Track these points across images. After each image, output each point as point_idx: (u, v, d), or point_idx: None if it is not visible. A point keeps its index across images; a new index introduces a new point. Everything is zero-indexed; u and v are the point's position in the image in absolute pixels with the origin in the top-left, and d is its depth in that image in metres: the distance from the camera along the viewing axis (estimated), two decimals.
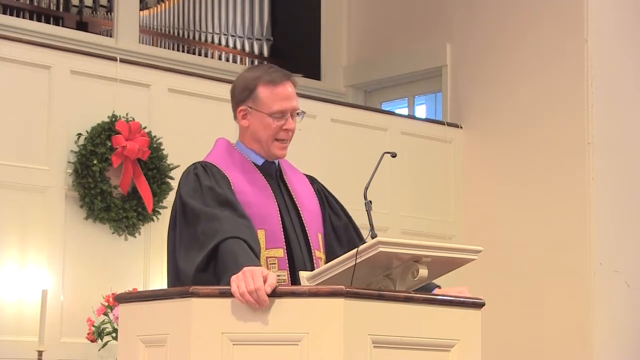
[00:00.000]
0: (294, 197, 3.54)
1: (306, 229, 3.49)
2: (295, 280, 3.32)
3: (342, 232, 3.63)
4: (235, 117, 3.55)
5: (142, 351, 3.09)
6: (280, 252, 3.38)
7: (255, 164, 3.51)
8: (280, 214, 3.44)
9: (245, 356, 2.91)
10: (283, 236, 3.40)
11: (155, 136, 6.40)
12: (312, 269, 3.41)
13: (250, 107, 3.47)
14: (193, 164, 3.45)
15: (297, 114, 3.52)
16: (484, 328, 3.26)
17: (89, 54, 6.56)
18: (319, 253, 3.50)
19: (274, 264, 3.35)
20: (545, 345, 7.36)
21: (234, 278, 2.97)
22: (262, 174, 3.49)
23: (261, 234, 3.35)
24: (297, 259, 3.41)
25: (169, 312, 3.01)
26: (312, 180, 3.70)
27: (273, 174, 3.54)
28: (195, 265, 3.19)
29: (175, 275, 3.31)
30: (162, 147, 6.40)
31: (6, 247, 5.90)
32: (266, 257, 3.35)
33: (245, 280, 2.94)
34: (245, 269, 2.99)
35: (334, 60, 9.08)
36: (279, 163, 3.59)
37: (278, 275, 3.29)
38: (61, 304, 6.01)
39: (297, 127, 3.55)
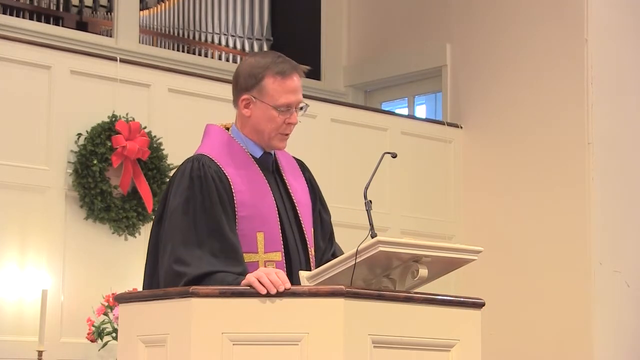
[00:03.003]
0: (290, 192, 3.50)
1: (303, 228, 3.46)
2: (292, 282, 3.31)
3: (326, 227, 3.62)
4: (236, 104, 3.45)
5: (142, 351, 3.09)
6: (279, 256, 3.34)
7: (254, 157, 3.45)
8: (279, 214, 3.40)
9: (245, 356, 2.90)
10: (281, 239, 3.37)
11: (155, 136, 6.40)
12: (308, 269, 3.39)
13: (254, 97, 3.38)
14: (190, 161, 3.36)
15: (301, 107, 3.43)
16: (484, 328, 3.26)
17: (89, 54, 6.56)
18: (312, 251, 3.48)
19: (272, 267, 3.32)
20: (545, 345, 7.36)
21: (252, 279, 2.98)
22: (260, 169, 3.44)
23: (260, 237, 3.32)
24: (294, 261, 3.38)
25: (169, 312, 3.01)
26: (303, 168, 3.64)
27: (270, 167, 3.49)
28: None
29: (151, 275, 3.32)
30: (162, 147, 6.41)
31: (6, 247, 5.90)
32: (265, 260, 3.32)
33: (265, 275, 2.98)
34: (258, 271, 3.03)
35: (334, 60, 9.08)
36: (274, 153, 3.53)
37: None
38: (61, 304, 6.01)
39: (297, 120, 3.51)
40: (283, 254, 3.36)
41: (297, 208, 3.49)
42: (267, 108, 3.38)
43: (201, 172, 3.31)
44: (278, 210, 3.40)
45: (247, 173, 3.40)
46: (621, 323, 7.29)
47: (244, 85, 3.41)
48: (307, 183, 3.60)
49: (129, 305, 3.18)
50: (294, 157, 3.64)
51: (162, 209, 3.37)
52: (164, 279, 3.25)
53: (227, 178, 3.33)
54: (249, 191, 3.35)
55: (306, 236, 3.46)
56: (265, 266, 3.30)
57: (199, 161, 3.34)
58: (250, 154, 3.44)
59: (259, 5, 9.27)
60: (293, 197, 3.50)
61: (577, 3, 7.49)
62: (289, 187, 3.51)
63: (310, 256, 3.46)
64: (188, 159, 3.39)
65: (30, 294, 5.87)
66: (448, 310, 3.15)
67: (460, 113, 8.16)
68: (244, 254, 3.27)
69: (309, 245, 3.46)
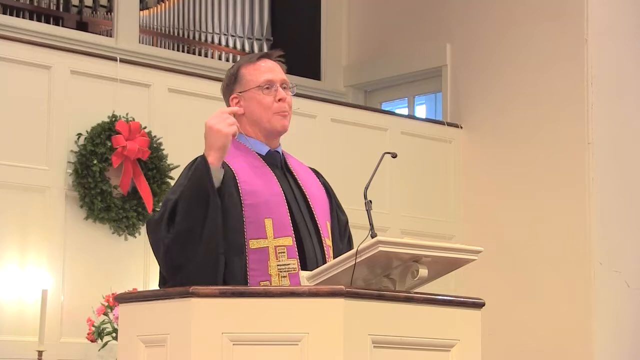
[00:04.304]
0: (301, 185, 3.52)
1: (315, 216, 3.47)
2: (305, 268, 3.31)
3: (343, 229, 3.63)
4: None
5: (142, 351, 3.09)
6: (289, 241, 3.35)
7: (260, 155, 3.48)
8: (288, 202, 3.41)
9: (245, 356, 2.90)
10: (291, 224, 3.38)
11: (155, 136, 6.40)
12: (323, 257, 3.40)
13: (240, 92, 3.47)
14: (194, 158, 3.40)
15: (290, 87, 3.50)
16: (484, 328, 3.26)
17: (89, 54, 6.56)
18: (328, 241, 3.48)
19: (283, 252, 3.32)
20: (545, 345, 7.36)
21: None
22: (267, 164, 3.46)
23: (269, 223, 3.33)
24: (307, 247, 3.38)
25: (169, 312, 3.01)
26: (317, 174, 3.68)
27: (278, 163, 3.51)
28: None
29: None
30: (162, 147, 6.41)
31: (6, 247, 5.90)
32: (275, 246, 3.32)
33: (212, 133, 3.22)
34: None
35: (334, 60, 9.08)
36: (282, 153, 3.56)
37: (288, 264, 3.31)
38: (61, 304, 6.01)
39: (295, 111, 3.55)
40: (294, 238, 3.36)
41: (308, 198, 3.49)
42: (253, 93, 3.45)
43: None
44: (286, 198, 3.41)
45: (253, 166, 3.43)
46: (621, 323, 7.29)
47: (228, 90, 3.53)
48: (322, 186, 3.63)
49: (129, 305, 3.18)
50: (310, 167, 3.68)
51: None
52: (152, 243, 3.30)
53: (231, 169, 3.36)
54: (254, 180, 3.37)
55: (318, 224, 3.46)
56: (276, 252, 3.32)
57: (203, 156, 3.39)
58: (257, 153, 3.48)
59: (259, 5, 9.27)
60: (303, 189, 3.51)
61: (577, 3, 7.49)
62: (299, 181, 3.52)
63: (326, 246, 3.46)
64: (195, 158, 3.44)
65: (30, 294, 5.87)
66: (448, 310, 3.15)
67: (460, 113, 8.16)
68: (253, 240, 3.30)
69: (322, 235, 3.46)
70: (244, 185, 3.34)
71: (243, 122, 3.49)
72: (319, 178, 3.66)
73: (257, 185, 3.37)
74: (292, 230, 3.37)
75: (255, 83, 3.44)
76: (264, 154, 3.48)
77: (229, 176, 3.34)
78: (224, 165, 3.36)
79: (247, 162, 3.42)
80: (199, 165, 3.24)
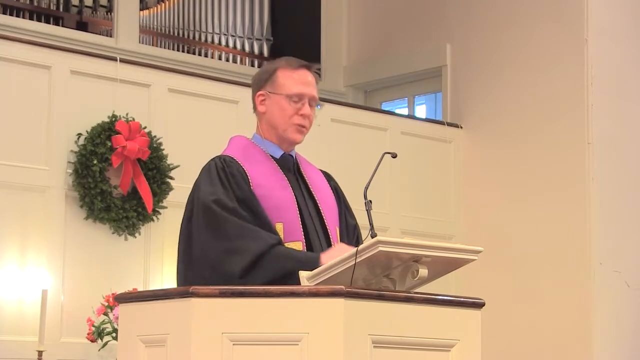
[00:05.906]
0: (312, 190, 3.55)
1: (325, 222, 3.50)
2: None
3: (352, 232, 3.65)
4: (254, 108, 3.55)
5: (142, 351, 3.09)
6: (299, 245, 3.38)
7: (273, 157, 3.50)
8: (299, 206, 3.44)
9: (245, 356, 2.91)
10: (302, 229, 3.40)
11: (155, 136, 6.40)
12: None
13: (269, 92, 3.48)
14: (212, 160, 3.43)
15: (317, 105, 3.51)
16: (484, 328, 3.26)
17: (89, 54, 6.56)
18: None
19: None
20: (545, 345, 7.36)
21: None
22: (279, 167, 3.49)
23: (279, 227, 3.35)
24: (317, 252, 3.39)
25: (169, 312, 3.01)
26: (329, 177, 3.71)
27: (291, 167, 3.54)
28: (238, 271, 3.21)
29: (185, 277, 3.31)
30: (162, 147, 6.40)
31: (6, 247, 5.90)
32: None
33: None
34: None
35: (334, 60, 9.08)
36: (295, 157, 3.59)
37: None
38: (61, 304, 6.01)
39: (315, 123, 3.55)
40: (304, 243, 3.38)
41: (319, 203, 3.52)
42: (280, 99, 3.47)
43: (225, 164, 3.39)
44: (297, 202, 3.44)
45: (265, 169, 3.46)
46: (621, 323, 7.29)
47: (258, 83, 3.53)
48: (332, 190, 3.65)
49: (129, 305, 3.18)
50: (321, 170, 3.71)
51: (191, 207, 3.39)
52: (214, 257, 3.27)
53: (246, 173, 3.40)
54: (267, 184, 3.41)
55: (328, 229, 3.49)
56: None
57: (220, 158, 3.43)
58: (270, 155, 3.50)
59: (259, 5, 9.27)
60: (314, 194, 3.54)
61: (577, 3, 7.49)
62: (310, 186, 3.56)
63: None
64: (210, 159, 3.45)
65: (30, 294, 5.87)
66: (448, 310, 3.15)
67: (460, 113, 8.16)
68: None
69: (332, 239, 3.48)
70: (257, 190, 3.37)
71: (262, 121, 3.52)
72: (330, 182, 3.69)
73: (270, 190, 3.40)
74: (302, 235, 3.40)
75: (286, 91, 3.46)
76: (277, 157, 3.51)
77: (243, 179, 3.36)
78: (239, 168, 3.38)
79: (261, 165, 3.45)
80: (310, 262, 3.23)
